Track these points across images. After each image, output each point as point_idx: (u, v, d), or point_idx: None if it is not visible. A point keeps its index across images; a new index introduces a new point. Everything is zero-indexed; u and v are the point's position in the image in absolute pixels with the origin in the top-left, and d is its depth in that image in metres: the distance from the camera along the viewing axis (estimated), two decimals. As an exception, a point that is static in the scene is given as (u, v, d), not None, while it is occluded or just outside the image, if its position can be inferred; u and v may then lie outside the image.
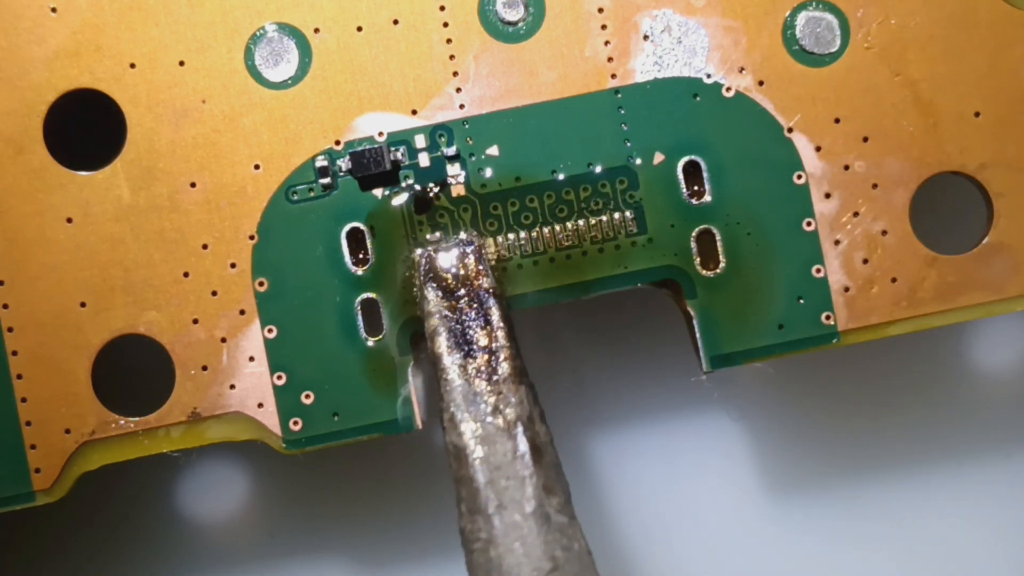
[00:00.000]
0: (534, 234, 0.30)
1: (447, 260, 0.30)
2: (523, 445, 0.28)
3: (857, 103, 0.30)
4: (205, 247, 0.30)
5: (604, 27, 0.30)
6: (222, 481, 0.36)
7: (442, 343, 0.29)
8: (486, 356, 0.29)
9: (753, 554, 0.35)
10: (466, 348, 0.29)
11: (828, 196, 0.30)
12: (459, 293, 0.29)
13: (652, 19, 0.30)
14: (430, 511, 0.35)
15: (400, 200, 0.30)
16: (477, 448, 0.28)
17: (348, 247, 0.30)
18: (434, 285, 0.29)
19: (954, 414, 0.36)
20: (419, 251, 0.30)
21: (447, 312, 0.29)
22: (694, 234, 0.30)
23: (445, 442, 0.29)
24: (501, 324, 0.29)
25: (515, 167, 0.30)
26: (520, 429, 0.28)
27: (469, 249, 0.30)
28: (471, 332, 0.29)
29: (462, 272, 0.29)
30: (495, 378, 0.29)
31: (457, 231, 0.30)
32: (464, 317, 0.29)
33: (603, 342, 0.36)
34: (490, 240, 0.30)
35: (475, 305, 0.29)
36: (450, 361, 0.29)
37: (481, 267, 0.30)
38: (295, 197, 0.30)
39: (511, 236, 0.30)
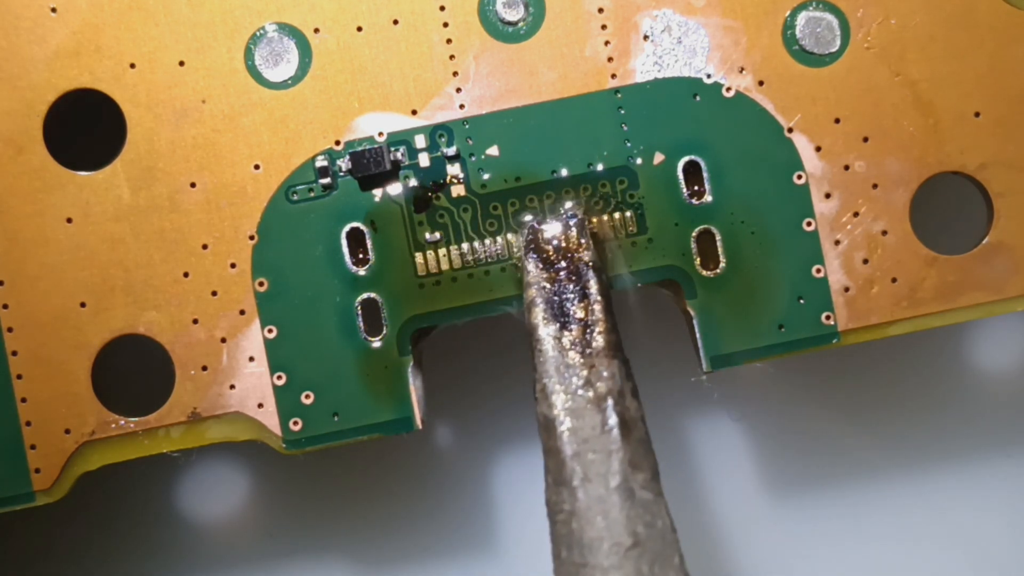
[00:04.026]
0: (534, 234, 0.30)
1: (550, 231, 0.30)
2: (612, 419, 0.28)
3: (857, 103, 0.30)
4: (205, 247, 0.30)
5: (604, 27, 0.30)
6: (222, 481, 0.36)
7: (539, 314, 0.29)
8: (581, 329, 0.29)
9: (753, 554, 0.35)
10: (562, 320, 0.29)
11: (828, 196, 0.30)
12: (559, 265, 0.29)
13: (652, 19, 0.30)
14: (430, 511, 0.35)
15: (397, 192, 0.30)
16: (566, 420, 0.28)
17: (348, 247, 0.30)
18: (535, 256, 0.29)
19: (954, 414, 0.36)
20: (526, 219, 0.30)
21: (545, 283, 0.29)
22: (694, 234, 0.30)
23: (536, 413, 0.28)
24: (598, 298, 0.29)
25: (515, 167, 0.30)
26: (610, 403, 0.28)
27: (572, 221, 0.30)
28: (568, 304, 0.29)
29: (563, 244, 0.29)
30: (589, 351, 0.28)
31: (458, 231, 0.30)
32: (562, 289, 0.29)
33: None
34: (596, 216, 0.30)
35: (574, 278, 0.29)
36: (545, 333, 0.29)
37: (583, 240, 0.29)
38: (295, 197, 0.30)
39: (511, 236, 0.30)
